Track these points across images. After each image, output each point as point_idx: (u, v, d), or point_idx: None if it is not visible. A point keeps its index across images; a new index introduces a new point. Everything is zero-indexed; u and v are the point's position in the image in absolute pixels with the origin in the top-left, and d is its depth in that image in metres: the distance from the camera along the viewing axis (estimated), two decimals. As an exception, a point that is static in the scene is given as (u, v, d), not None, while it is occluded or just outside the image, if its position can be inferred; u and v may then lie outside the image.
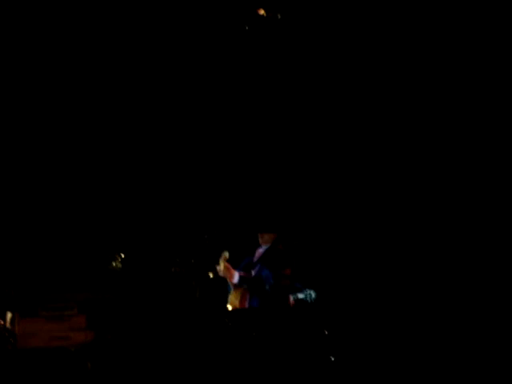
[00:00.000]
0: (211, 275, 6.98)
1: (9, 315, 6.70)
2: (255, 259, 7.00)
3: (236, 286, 6.86)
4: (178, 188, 7.92)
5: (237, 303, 6.81)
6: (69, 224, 7.50)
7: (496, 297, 6.88)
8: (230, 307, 6.86)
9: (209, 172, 7.99)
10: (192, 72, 7.70)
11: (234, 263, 6.88)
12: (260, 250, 7.01)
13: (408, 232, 7.42)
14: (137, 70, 7.60)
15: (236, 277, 6.81)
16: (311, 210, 7.94)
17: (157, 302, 7.29)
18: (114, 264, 7.45)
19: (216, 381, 6.35)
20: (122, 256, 7.50)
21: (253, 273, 6.89)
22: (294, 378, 6.28)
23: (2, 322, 6.66)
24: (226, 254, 6.88)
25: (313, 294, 6.84)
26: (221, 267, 6.78)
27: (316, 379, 6.36)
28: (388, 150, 7.61)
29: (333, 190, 7.85)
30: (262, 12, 7.24)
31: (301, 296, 6.88)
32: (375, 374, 6.63)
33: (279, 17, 7.33)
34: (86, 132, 7.64)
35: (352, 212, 7.76)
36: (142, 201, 7.83)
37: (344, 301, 7.45)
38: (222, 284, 6.99)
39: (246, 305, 6.78)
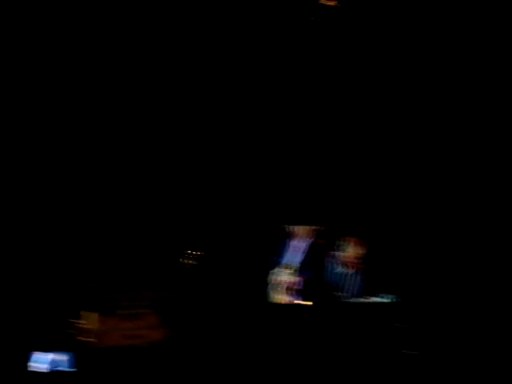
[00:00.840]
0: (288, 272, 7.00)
1: (86, 314, 6.84)
2: (301, 257, 6.99)
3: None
4: (248, 185, 7.88)
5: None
6: (142, 222, 7.58)
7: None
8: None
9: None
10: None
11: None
12: (298, 245, 7.00)
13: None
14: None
15: (300, 283, 6.85)
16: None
17: (231, 299, 7.29)
18: (188, 261, 7.50)
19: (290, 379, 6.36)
20: (197, 253, 7.53)
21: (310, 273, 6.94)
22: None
23: (80, 321, 6.80)
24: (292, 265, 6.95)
25: (389, 298, 6.75)
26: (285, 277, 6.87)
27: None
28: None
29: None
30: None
31: (376, 299, 6.80)
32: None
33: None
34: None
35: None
36: (213, 198, 7.83)
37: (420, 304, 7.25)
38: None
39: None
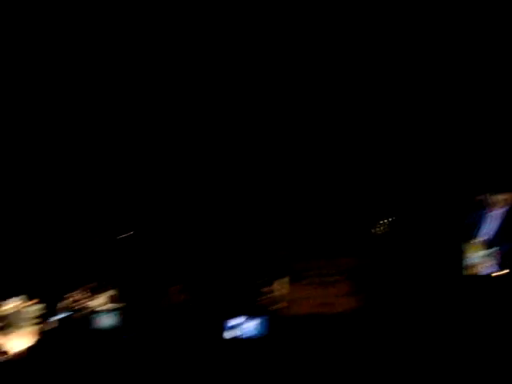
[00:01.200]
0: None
1: (278, 282, 7.17)
2: (497, 227, 6.51)
3: None
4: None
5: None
6: (336, 193, 7.65)
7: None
8: None
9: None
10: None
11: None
12: (495, 215, 6.50)
13: None
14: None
15: (497, 253, 6.45)
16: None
17: (424, 268, 7.13)
18: (379, 229, 7.45)
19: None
20: (389, 221, 7.45)
21: None
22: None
23: (272, 289, 7.15)
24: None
25: None
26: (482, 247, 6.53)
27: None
28: None
29: None
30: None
31: None
32: None
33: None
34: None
35: None
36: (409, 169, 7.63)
37: None
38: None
39: None
